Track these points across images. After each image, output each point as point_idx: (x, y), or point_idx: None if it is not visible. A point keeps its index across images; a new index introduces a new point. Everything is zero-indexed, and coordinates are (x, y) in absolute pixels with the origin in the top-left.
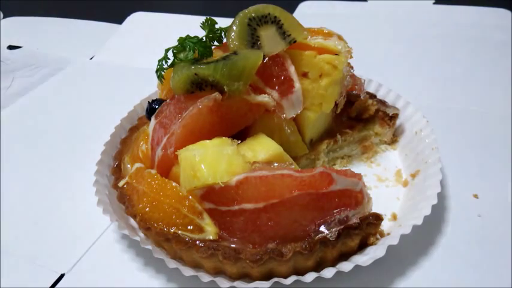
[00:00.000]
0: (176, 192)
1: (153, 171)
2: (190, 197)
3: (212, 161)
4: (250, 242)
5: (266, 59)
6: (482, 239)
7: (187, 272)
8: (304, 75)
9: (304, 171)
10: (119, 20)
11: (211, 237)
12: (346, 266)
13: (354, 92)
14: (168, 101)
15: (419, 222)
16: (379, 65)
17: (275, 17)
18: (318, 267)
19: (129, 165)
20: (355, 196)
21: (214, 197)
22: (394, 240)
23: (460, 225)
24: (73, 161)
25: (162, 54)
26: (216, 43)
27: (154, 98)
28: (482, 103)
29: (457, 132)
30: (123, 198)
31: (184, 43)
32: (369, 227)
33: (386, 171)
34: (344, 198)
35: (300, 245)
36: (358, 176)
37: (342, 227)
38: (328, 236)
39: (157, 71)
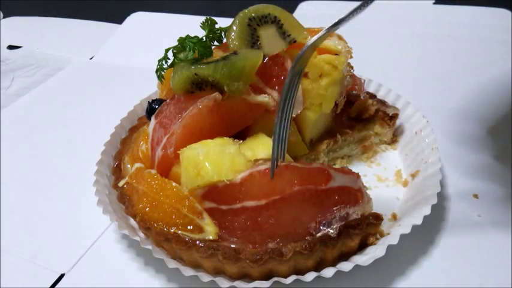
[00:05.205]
0: (176, 192)
1: (153, 171)
2: (190, 197)
3: (216, 159)
4: (250, 242)
5: (266, 59)
6: (482, 239)
7: (187, 272)
8: (304, 75)
9: (303, 163)
10: (119, 20)
11: (211, 237)
12: (346, 266)
13: (354, 92)
14: (168, 101)
15: (419, 222)
16: (379, 65)
17: (275, 17)
18: (318, 267)
19: (129, 165)
20: (354, 194)
21: (215, 196)
22: (394, 240)
23: (460, 225)
24: (73, 161)
25: (162, 54)
26: (216, 43)
27: (154, 98)
28: (482, 103)
29: (457, 132)
30: (123, 198)
31: (184, 43)
32: (369, 227)
33: (387, 171)
34: (343, 195)
35: (300, 244)
36: (356, 174)
37: (343, 223)
38: (329, 233)
39: (157, 71)
